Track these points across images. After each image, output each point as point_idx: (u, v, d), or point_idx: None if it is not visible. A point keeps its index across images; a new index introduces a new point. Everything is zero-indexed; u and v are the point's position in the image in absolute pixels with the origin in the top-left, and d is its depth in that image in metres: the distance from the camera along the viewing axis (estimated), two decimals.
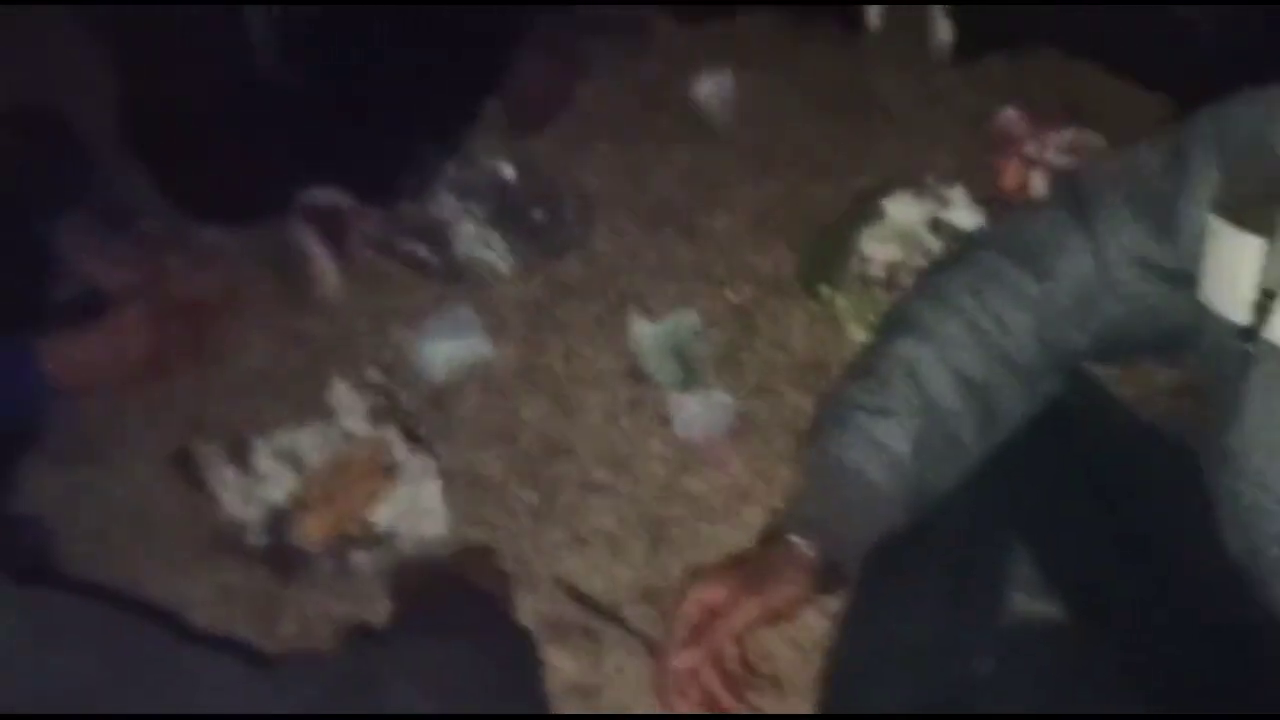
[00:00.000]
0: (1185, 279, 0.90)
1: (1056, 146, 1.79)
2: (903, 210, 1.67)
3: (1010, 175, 1.72)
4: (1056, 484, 1.02)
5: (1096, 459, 1.02)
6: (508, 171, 1.90)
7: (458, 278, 1.79)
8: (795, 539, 0.93)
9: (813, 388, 1.56)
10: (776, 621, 0.93)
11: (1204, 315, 0.88)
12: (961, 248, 1.06)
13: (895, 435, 0.95)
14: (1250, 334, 0.82)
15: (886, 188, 1.70)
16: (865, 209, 1.69)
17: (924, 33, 2.02)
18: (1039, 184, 1.71)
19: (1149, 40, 1.81)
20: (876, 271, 1.65)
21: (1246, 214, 0.83)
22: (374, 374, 1.65)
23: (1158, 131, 0.96)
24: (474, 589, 1.30)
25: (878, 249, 1.65)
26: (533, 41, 1.98)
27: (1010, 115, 1.77)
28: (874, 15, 2.09)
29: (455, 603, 1.26)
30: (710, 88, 1.98)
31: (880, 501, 0.95)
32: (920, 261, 1.63)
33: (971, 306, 0.97)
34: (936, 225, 1.66)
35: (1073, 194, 0.98)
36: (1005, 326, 0.96)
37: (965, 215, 1.66)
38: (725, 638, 0.90)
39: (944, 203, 1.67)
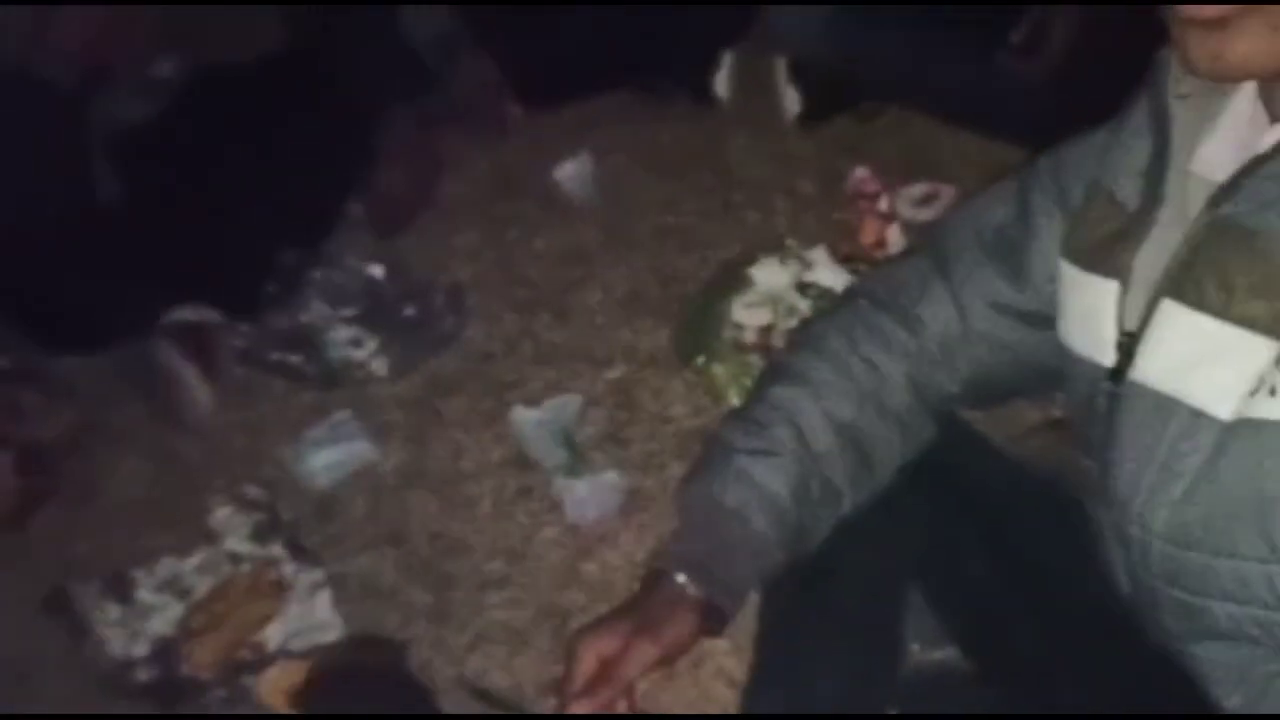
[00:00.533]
0: (1042, 321, 0.92)
1: (909, 200, 1.85)
2: (769, 276, 1.71)
3: (868, 232, 1.77)
4: (943, 531, 1.04)
5: (978, 503, 1.04)
6: (376, 271, 1.89)
7: (334, 383, 1.77)
8: (680, 578, 0.92)
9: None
10: (668, 664, 0.92)
11: (1067, 357, 0.89)
12: (839, 299, 1.07)
13: (774, 477, 0.95)
14: (1117, 375, 0.81)
15: (751, 255, 1.73)
16: (733, 277, 1.72)
17: (773, 100, 2.07)
18: (896, 238, 1.76)
19: (986, 92, 1.87)
20: (750, 338, 1.67)
21: (1096, 257, 0.84)
22: (255, 491, 1.62)
23: (1004, 179, 0.99)
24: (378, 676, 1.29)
25: (749, 315, 1.68)
26: (391, 138, 1.99)
27: (862, 174, 1.82)
28: (722, 85, 2.13)
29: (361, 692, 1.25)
30: (570, 170, 2.01)
31: (760, 542, 0.95)
32: (791, 324, 1.66)
33: (845, 352, 0.98)
34: (803, 287, 1.69)
35: (932, 244, 1.01)
36: (877, 372, 0.98)
37: (830, 275, 1.69)
38: (622, 684, 0.89)
39: (808, 265, 1.71)
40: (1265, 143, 0.74)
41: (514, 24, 2.10)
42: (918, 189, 1.86)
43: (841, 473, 0.98)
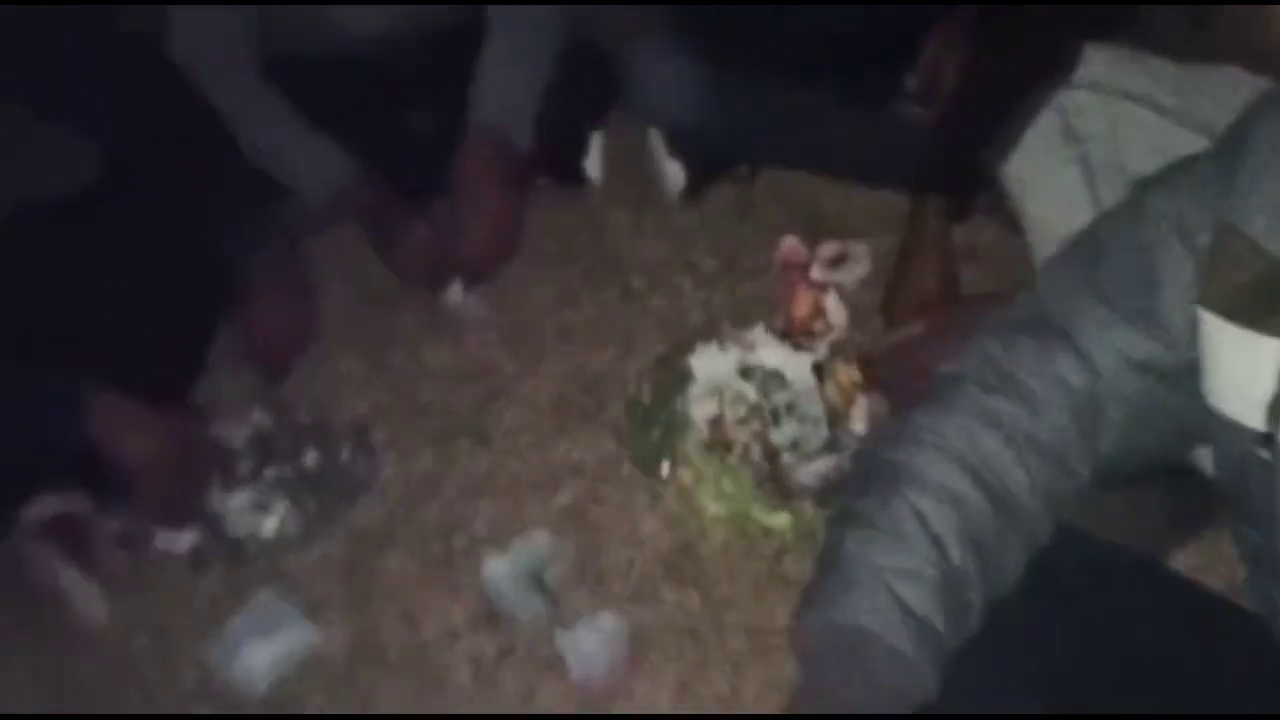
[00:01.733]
0: (1186, 377, 0.86)
1: (821, 263, 1.78)
2: (710, 365, 1.60)
3: (801, 304, 1.68)
4: (1064, 640, 0.95)
5: (1094, 604, 0.96)
6: (262, 419, 1.68)
7: (241, 558, 1.56)
8: None
9: (687, 578, 1.44)
10: None
11: (1214, 418, 0.83)
12: (938, 387, 0.94)
13: (924, 599, 0.85)
14: (1271, 440, 0.77)
15: (688, 344, 1.62)
16: (673, 372, 1.60)
17: (652, 175, 1.97)
18: (834, 306, 1.68)
19: (876, 142, 1.83)
20: (703, 432, 1.56)
21: (1248, 309, 0.79)
22: (175, 703, 1.39)
23: (1102, 224, 0.93)
24: None
25: (698, 409, 1.57)
26: (257, 265, 1.76)
27: (791, 243, 1.75)
28: (594, 167, 2.02)
29: None
30: (457, 285, 1.84)
31: (913, 673, 0.85)
32: (740, 412, 1.56)
33: (967, 452, 0.88)
34: (747, 372, 1.59)
35: (1039, 313, 0.92)
36: (1003, 471, 0.88)
37: (774, 355, 1.60)
38: None
39: (749, 347, 1.61)
40: None
41: (369, 122, 1.93)
42: (828, 249, 1.79)
43: (975, 588, 0.87)
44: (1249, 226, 0.80)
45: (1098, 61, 1.53)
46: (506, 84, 1.81)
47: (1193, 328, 0.84)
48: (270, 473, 1.62)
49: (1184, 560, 1.32)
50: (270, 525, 1.58)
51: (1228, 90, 1.51)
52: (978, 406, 0.90)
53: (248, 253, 1.78)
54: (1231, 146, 0.84)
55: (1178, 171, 0.89)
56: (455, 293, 1.84)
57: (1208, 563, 1.32)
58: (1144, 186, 0.92)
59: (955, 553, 0.86)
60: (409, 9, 1.85)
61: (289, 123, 1.80)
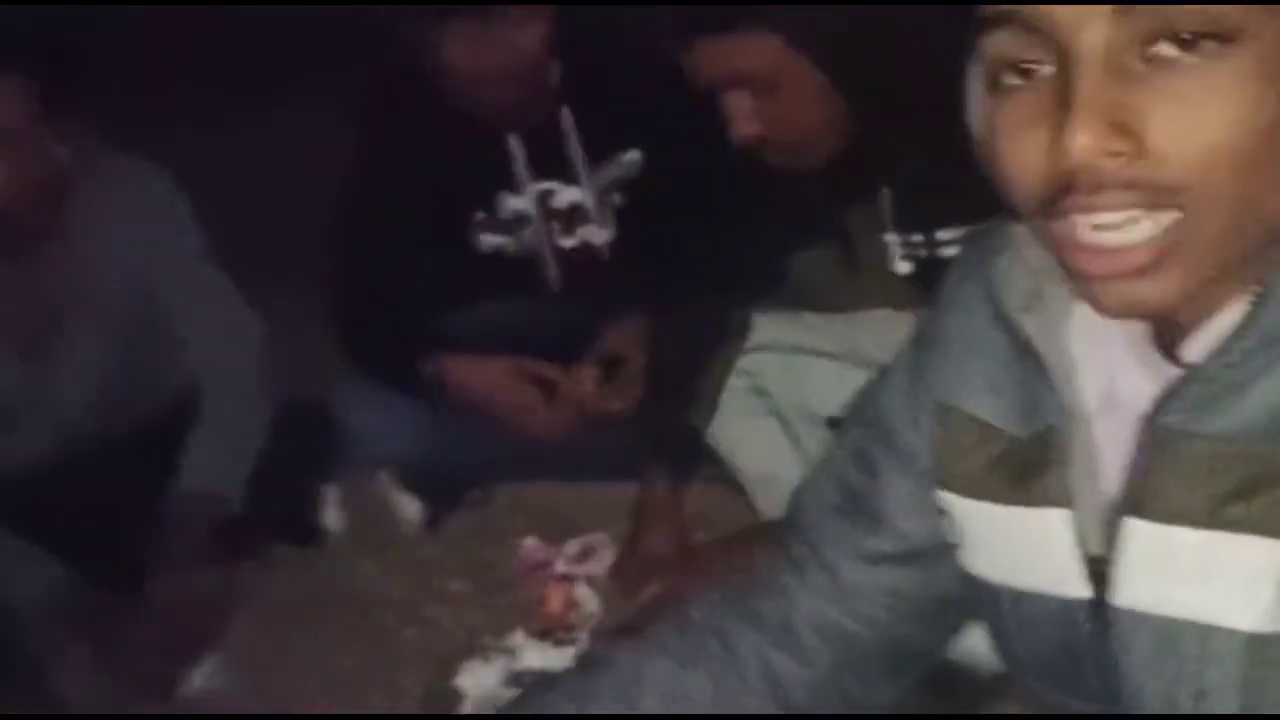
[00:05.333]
0: (916, 557, 0.89)
1: (568, 559, 1.82)
2: (478, 681, 1.60)
3: (554, 600, 1.71)
4: None
5: None
6: None
7: None
8: None
9: None
10: None
11: (1007, 597, 0.81)
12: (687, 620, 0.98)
13: None
14: (1099, 604, 0.74)
15: (452, 666, 1.61)
16: (441, 695, 1.59)
17: (390, 513, 2.00)
18: (586, 595, 1.71)
19: (590, 448, 1.92)
20: None
21: (1005, 486, 0.78)
22: None
23: (831, 451, 0.98)
24: None
25: None
26: None
27: (531, 544, 1.79)
28: (332, 519, 2.03)
29: None
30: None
31: None
32: None
33: (716, 645, 0.94)
34: (517, 678, 1.59)
35: (792, 526, 0.97)
36: (738, 665, 0.93)
37: (537, 656, 1.61)
38: None
39: (511, 654, 1.61)
40: (1190, 349, 0.71)
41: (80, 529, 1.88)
42: (572, 547, 1.85)
43: None
44: (972, 407, 0.82)
45: (766, 325, 1.71)
46: (211, 451, 1.83)
47: (925, 517, 0.87)
48: None
49: None
50: None
51: (883, 328, 1.71)
52: (725, 634, 0.94)
53: None
54: (927, 343, 0.87)
55: (875, 385, 0.94)
56: (198, 677, 1.78)
57: None
58: (852, 409, 0.98)
59: None
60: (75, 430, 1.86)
61: None
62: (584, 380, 1.87)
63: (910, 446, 0.88)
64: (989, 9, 0.65)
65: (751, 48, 1.33)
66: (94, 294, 1.82)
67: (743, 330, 1.68)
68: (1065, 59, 0.62)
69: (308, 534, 2.03)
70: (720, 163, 1.58)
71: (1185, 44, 0.60)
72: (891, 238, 1.52)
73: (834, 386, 1.64)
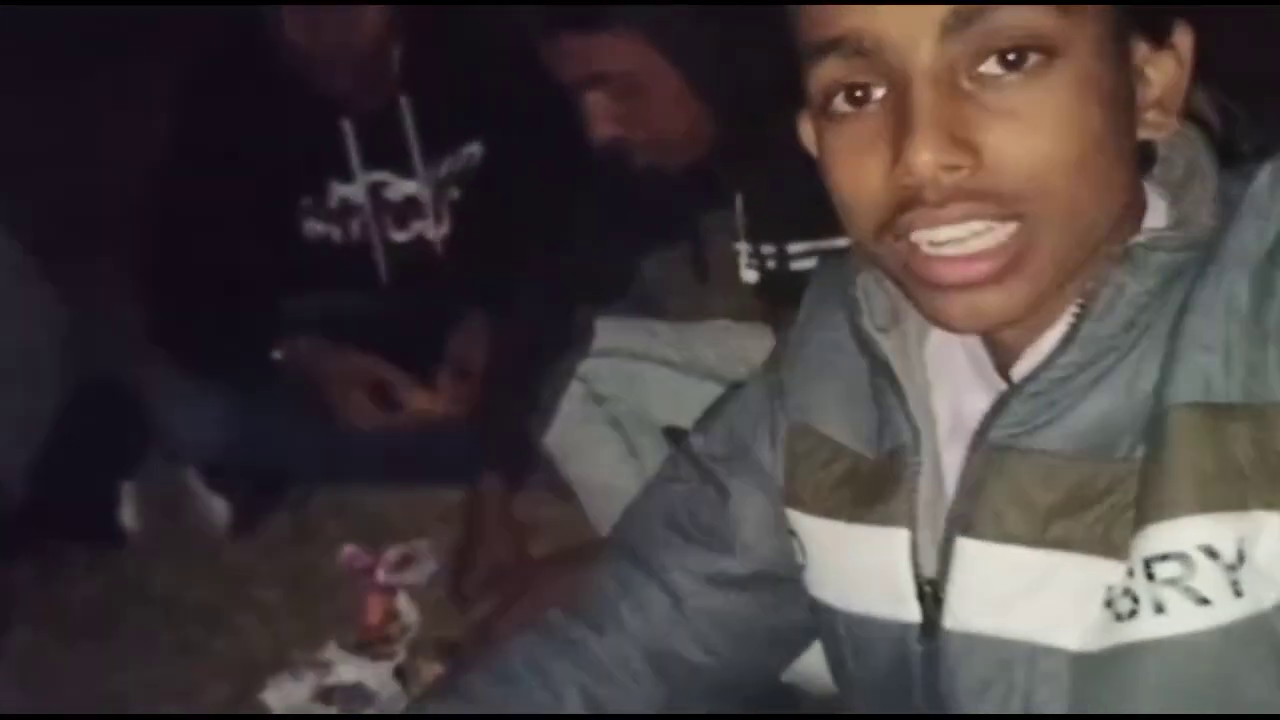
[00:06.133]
0: (764, 581, 0.88)
1: (388, 567, 1.74)
2: (285, 695, 1.50)
3: (374, 609, 1.62)
4: None
5: None
6: None
7: None
8: None
9: None
10: None
11: (840, 620, 0.81)
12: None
13: None
14: (931, 627, 0.74)
15: (257, 681, 1.50)
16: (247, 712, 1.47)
17: (196, 515, 1.87)
18: (406, 606, 1.63)
19: (415, 447, 1.84)
20: None
21: (848, 505, 0.79)
22: None
23: (667, 463, 0.97)
24: None
25: None
26: None
27: (351, 550, 1.70)
28: (130, 518, 1.89)
29: None
30: None
31: None
32: None
33: (535, 684, 0.91)
34: (328, 694, 1.50)
35: (618, 547, 0.95)
36: (562, 702, 0.90)
37: (351, 669, 1.52)
38: None
39: (323, 667, 1.52)
40: (1020, 367, 0.72)
41: None
42: (392, 554, 1.76)
43: None
44: (824, 426, 0.82)
45: (607, 330, 1.66)
46: None
47: (765, 533, 0.87)
48: None
49: None
50: None
51: (723, 337, 1.69)
52: (550, 630, 0.92)
53: None
54: (784, 359, 0.88)
55: (727, 398, 0.94)
56: None
57: None
58: (699, 421, 0.96)
59: None
60: None
61: None
62: (432, 398, 1.79)
63: (765, 465, 0.87)
64: (817, 35, 0.66)
65: (615, 49, 1.29)
66: None
67: (585, 335, 1.63)
68: (898, 80, 0.63)
69: (104, 533, 1.88)
70: (567, 160, 1.53)
71: (1010, 63, 0.62)
72: (743, 246, 1.49)
73: (673, 396, 1.62)
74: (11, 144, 1.90)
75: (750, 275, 1.51)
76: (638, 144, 1.37)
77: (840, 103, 0.66)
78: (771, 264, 1.47)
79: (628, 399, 1.64)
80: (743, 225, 1.49)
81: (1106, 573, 0.67)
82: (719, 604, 0.89)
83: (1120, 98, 0.65)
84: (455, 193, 1.90)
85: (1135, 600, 0.65)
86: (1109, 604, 0.66)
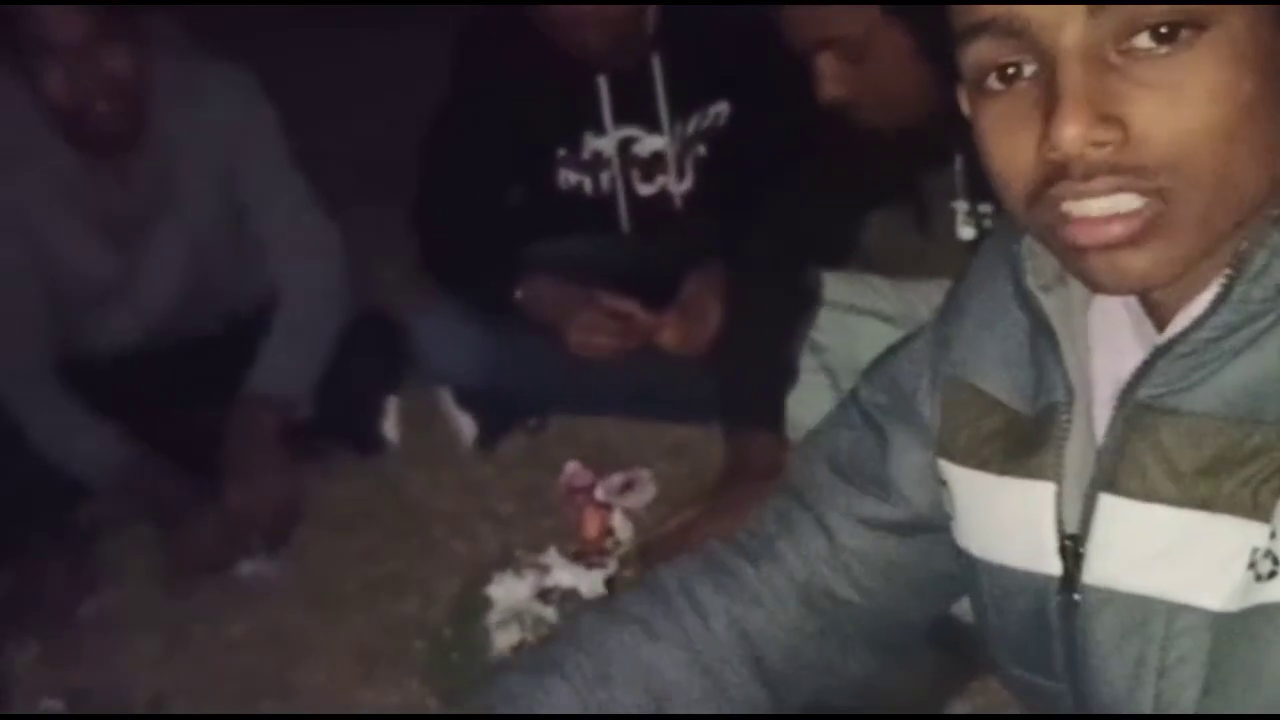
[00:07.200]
0: (918, 529, 0.92)
1: (610, 491, 1.87)
2: (508, 591, 1.64)
3: (590, 524, 1.76)
4: None
5: None
6: (53, 705, 1.63)
7: None
8: None
9: None
10: None
11: (988, 571, 0.84)
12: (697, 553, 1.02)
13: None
14: (1070, 582, 0.76)
15: (485, 574, 1.66)
16: (472, 601, 1.63)
17: (446, 431, 2.06)
18: (620, 523, 1.76)
19: (649, 384, 1.95)
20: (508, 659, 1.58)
21: (1000, 458, 0.81)
22: None
23: (835, 409, 1.01)
24: None
25: (502, 637, 1.59)
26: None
27: (573, 468, 1.84)
28: (391, 430, 2.10)
29: None
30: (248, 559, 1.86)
31: None
32: (544, 632, 1.59)
33: (683, 604, 0.95)
34: (545, 594, 1.64)
35: (785, 485, 1.00)
36: (708, 624, 0.95)
37: (569, 575, 1.65)
38: None
39: (543, 570, 1.66)
40: (1172, 329, 0.72)
41: (156, 413, 1.97)
42: (616, 479, 1.89)
43: None
44: (982, 381, 0.84)
45: (832, 283, 1.72)
46: (284, 356, 1.90)
47: (921, 483, 0.89)
48: None
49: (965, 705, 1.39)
50: None
51: (940, 294, 1.72)
52: (716, 558, 0.97)
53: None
54: (951, 315, 0.90)
55: (896, 349, 0.97)
56: (249, 564, 1.86)
57: (994, 703, 1.40)
58: (867, 370, 1.00)
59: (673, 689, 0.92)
60: (160, 322, 1.96)
61: (69, 411, 1.85)
62: (664, 331, 1.88)
63: (924, 416, 0.90)
64: (969, 17, 0.69)
65: (847, 12, 1.35)
66: (180, 194, 1.89)
67: (816, 294, 1.69)
68: (1047, 58, 0.65)
69: (368, 443, 2.10)
70: (803, 120, 1.60)
71: (1161, 36, 0.63)
72: (960, 204, 1.53)
73: (883, 347, 1.65)
74: (301, 87, 2.12)
75: (967, 232, 1.54)
76: (864, 105, 1.42)
77: (993, 81, 0.69)
78: (988, 222, 1.51)
79: (842, 349, 1.70)
80: (962, 184, 1.52)
81: (1253, 535, 0.67)
82: (872, 546, 0.93)
83: (1275, 65, 0.65)
84: (701, 149, 2.01)
85: (1276, 561, 0.66)
86: (1251, 565, 0.67)
